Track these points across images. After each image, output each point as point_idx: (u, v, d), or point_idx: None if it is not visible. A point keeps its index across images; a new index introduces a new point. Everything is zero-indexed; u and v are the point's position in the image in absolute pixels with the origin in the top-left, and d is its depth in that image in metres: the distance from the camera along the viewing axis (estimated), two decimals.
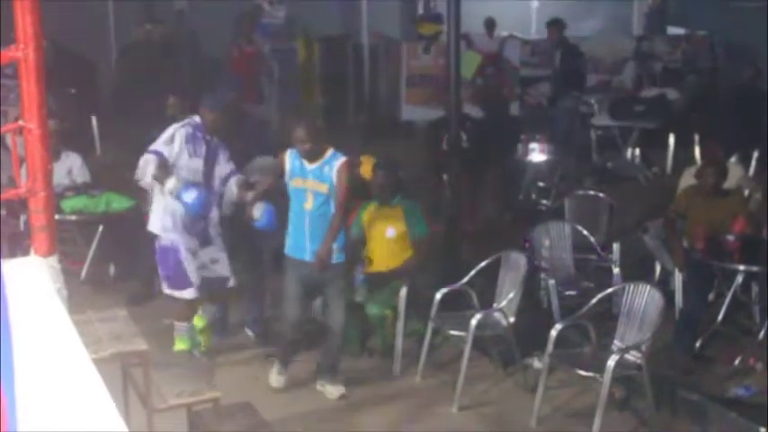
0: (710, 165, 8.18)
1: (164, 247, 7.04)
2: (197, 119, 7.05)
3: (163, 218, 6.99)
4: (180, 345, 7.25)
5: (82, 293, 8.29)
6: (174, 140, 6.89)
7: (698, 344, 7.56)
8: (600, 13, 18.42)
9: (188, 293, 7.08)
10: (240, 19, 14.19)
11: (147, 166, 6.80)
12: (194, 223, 6.99)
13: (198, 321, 7.29)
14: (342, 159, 6.64)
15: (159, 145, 6.88)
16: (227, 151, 7.17)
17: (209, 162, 7.04)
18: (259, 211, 6.87)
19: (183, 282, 7.05)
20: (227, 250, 7.22)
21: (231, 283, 7.29)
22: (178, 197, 6.79)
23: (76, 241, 9.11)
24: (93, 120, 13.43)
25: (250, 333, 7.94)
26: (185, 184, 6.79)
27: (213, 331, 7.50)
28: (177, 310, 7.24)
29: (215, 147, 7.08)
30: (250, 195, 6.92)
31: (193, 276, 7.04)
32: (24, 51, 3.21)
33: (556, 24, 14.55)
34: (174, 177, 6.80)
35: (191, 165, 6.94)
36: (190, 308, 7.21)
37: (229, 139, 7.30)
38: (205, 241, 7.10)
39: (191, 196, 6.77)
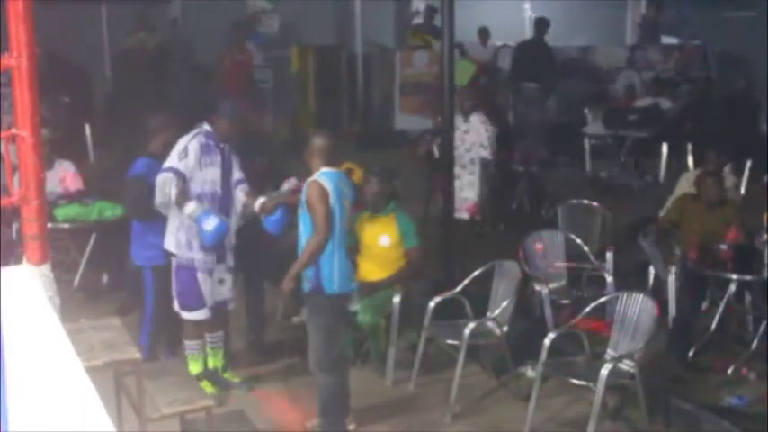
0: (713, 176, 8.17)
1: (179, 266, 6.86)
2: (207, 127, 6.83)
3: (177, 235, 6.79)
4: (194, 367, 7.05)
5: (75, 301, 8.29)
6: (187, 153, 6.67)
7: (691, 353, 7.57)
8: (593, 22, 18.46)
9: (199, 314, 6.92)
10: (233, 28, 14.22)
11: (167, 187, 6.61)
12: None
13: (213, 362, 7.18)
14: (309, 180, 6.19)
15: (174, 161, 6.67)
16: (238, 158, 7.02)
17: (226, 170, 6.87)
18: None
19: (195, 302, 6.88)
20: (233, 269, 7.06)
21: (231, 305, 7.19)
22: (197, 223, 6.66)
23: (69, 250, 9.10)
24: (87, 128, 13.44)
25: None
26: (204, 211, 6.65)
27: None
28: (185, 328, 7.08)
29: (228, 154, 6.91)
30: (260, 202, 6.83)
31: (207, 296, 6.90)
32: (18, 59, 3.21)
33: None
34: (193, 202, 6.67)
35: (207, 175, 6.76)
36: (198, 326, 7.05)
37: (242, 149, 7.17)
38: (220, 257, 6.93)
39: (211, 224, 6.62)
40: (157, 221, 7.02)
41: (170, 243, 6.86)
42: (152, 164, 7.11)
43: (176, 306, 6.98)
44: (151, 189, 7.00)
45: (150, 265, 7.21)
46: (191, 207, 6.66)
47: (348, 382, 6.51)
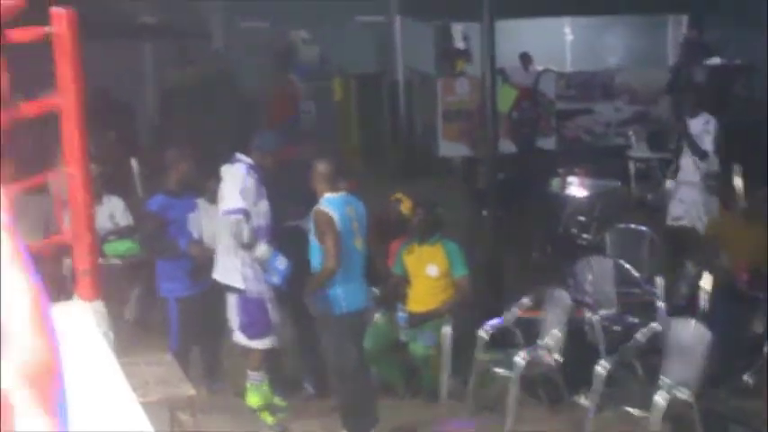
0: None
1: (247, 299, 6.87)
2: (248, 159, 6.86)
3: (243, 270, 6.80)
4: (253, 399, 7.01)
5: (127, 336, 8.30)
6: (248, 192, 6.71)
7: (746, 377, 7.42)
8: (633, 43, 18.36)
9: (270, 341, 6.98)
10: (274, 58, 14.28)
11: (241, 230, 6.64)
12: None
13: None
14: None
15: (239, 201, 6.68)
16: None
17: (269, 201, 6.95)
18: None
19: (266, 330, 6.93)
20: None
21: None
22: (270, 264, 6.77)
23: (120, 285, 9.11)
24: (134, 162, 13.53)
25: (309, 388, 7.69)
26: (274, 252, 6.77)
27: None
28: (251, 358, 7.06)
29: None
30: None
31: (275, 323, 7.00)
32: (65, 97, 3.21)
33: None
34: (263, 243, 6.75)
35: (261, 209, 6.83)
36: (265, 355, 7.08)
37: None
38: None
39: (283, 264, 6.79)
40: (171, 258, 7.21)
41: (235, 279, 6.84)
42: (166, 201, 7.28)
43: (242, 338, 6.98)
44: (163, 226, 7.18)
45: (173, 296, 7.28)
46: (261, 249, 6.75)
47: (372, 392, 6.83)
